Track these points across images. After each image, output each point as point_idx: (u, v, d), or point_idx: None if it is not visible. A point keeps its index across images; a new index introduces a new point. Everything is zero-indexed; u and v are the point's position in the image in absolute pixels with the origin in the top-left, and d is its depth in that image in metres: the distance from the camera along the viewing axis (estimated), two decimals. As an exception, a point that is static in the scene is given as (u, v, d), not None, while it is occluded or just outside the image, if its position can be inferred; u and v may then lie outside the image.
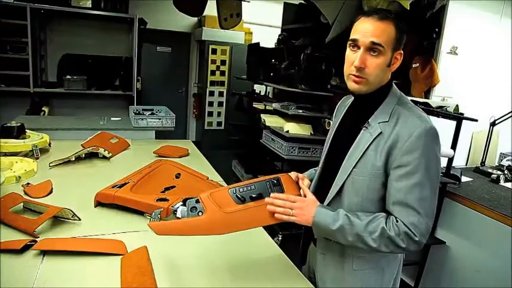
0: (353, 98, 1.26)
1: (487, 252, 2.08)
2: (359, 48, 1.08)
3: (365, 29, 1.07)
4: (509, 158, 2.90)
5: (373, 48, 1.06)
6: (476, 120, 2.33)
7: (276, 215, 1.11)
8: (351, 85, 1.13)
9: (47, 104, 4.87)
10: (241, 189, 1.15)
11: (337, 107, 1.38)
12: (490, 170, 2.75)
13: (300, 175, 1.27)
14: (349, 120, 1.25)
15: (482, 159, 2.91)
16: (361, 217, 1.09)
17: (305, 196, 1.17)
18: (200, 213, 1.11)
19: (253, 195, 1.13)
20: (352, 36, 1.10)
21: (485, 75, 3.01)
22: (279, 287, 1.22)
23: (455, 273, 2.25)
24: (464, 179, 2.56)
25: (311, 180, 1.29)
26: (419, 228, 1.03)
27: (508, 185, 2.56)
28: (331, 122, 2.94)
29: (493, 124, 2.79)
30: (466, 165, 3.12)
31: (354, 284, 1.20)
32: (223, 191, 1.15)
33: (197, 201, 1.13)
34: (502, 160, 2.96)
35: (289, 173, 1.26)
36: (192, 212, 1.12)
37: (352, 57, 1.10)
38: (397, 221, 1.05)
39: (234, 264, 1.32)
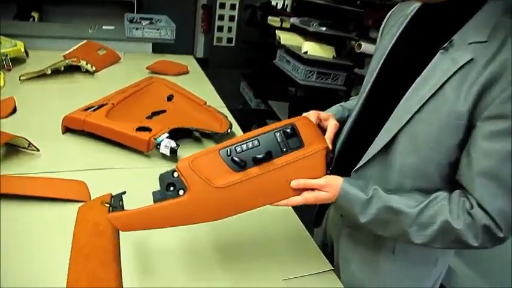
0: (418, 3, 0.82)
1: None
2: None
3: None
4: None
5: None
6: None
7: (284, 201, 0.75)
8: None
9: (38, 10, 4.36)
10: (238, 149, 0.74)
11: (387, 18, 0.93)
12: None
13: (323, 114, 0.86)
14: (413, 39, 0.80)
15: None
16: (409, 201, 0.71)
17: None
18: (181, 192, 0.73)
19: (258, 156, 0.72)
20: None
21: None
22: (279, 251, 0.93)
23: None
24: None
25: (340, 122, 0.88)
26: (508, 218, 0.65)
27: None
28: (362, 45, 2.48)
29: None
30: None
31: (392, 274, 0.87)
32: (213, 153, 0.75)
33: (174, 173, 0.74)
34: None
35: (307, 113, 0.85)
36: (168, 192, 0.73)
37: None
38: (471, 207, 0.67)
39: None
